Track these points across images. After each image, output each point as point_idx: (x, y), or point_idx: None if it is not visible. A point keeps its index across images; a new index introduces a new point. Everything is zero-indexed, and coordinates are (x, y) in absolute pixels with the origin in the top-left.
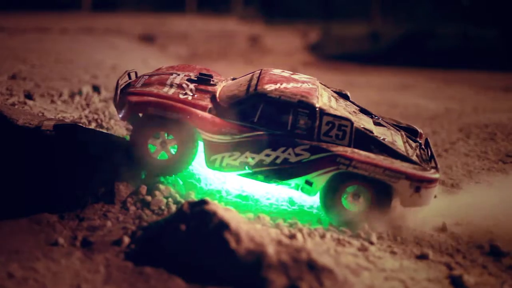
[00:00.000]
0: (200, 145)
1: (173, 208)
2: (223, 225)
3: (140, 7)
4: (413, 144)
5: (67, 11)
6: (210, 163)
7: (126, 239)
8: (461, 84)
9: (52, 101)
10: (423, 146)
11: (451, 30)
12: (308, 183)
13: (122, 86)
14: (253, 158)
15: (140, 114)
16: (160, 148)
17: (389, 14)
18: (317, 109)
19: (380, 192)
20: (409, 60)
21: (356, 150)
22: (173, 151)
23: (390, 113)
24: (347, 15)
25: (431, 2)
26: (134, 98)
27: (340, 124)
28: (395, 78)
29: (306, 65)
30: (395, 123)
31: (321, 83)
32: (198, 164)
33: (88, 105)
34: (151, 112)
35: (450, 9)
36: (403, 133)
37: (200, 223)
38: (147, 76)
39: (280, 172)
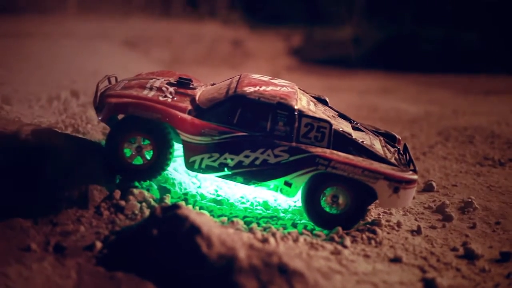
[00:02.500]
0: (176, 151)
1: (147, 212)
2: (195, 230)
3: (125, 11)
4: (392, 149)
5: (51, 15)
6: (189, 165)
7: (99, 244)
8: (442, 87)
9: (30, 106)
10: (401, 152)
11: (433, 34)
12: (287, 184)
13: (102, 90)
14: (232, 159)
15: (119, 116)
16: (136, 153)
17: (371, 18)
18: (296, 111)
19: (358, 193)
20: (391, 64)
21: (335, 151)
22: (148, 156)
23: (370, 117)
24: (330, 19)
25: (414, 6)
26: (114, 100)
27: (319, 126)
28: (377, 82)
29: (289, 69)
30: (373, 129)
31: (299, 88)
32: (174, 168)
33: (65, 110)
34: (131, 112)
35: (433, 13)
36: (381, 138)
37: (172, 227)
38: (126, 81)
39: (259, 173)
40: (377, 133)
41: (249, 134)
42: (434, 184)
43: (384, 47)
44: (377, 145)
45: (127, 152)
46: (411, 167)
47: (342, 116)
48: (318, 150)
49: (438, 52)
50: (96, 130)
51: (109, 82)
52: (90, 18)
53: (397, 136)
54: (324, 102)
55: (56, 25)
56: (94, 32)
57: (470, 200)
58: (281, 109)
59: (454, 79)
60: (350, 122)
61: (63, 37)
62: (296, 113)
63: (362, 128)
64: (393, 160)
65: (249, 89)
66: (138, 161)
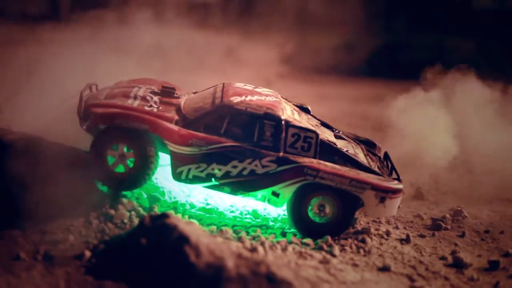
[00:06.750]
0: (161, 160)
1: (136, 221)
2: (183, 239)
3: (117, 17)
4: (373, 157)
5: (44, 22)
6: (177, 175)
7: (88, 253)
8: None
9: (21, 114)
10: (382, 159)
11: (427, 41)
12: (275, 194)
13: (84, 99)
14: (219, 169)
15: (103, 126)
16: (119, 161)
17: (365, 25)
18: (282, 121)
19: (345, 202)
20: (384, 71)
21: (322, 162)
22: (131, 164)
23: (362, 125)
24: (323, 26)
25: (408, 14)
26: (99, 110)
27: (306, 136)
28: (369, 90)
29: (281, 77)
30: (354, 137)
31: (282, 97)
32: (163, 177)
33: (57, 117)
34: (118, 123)
35: (427, 20)
36: (363, 146)
37: (160, 237)
38: (109, 89)
39: (247, 183)
40: (358, 141)
41: (237, 145)
42: (423, 192)
43: (377, 55)
44: (360, 153)
45: (110, 159)
46: (394, 175)
47: (324, 124)
48: (306, 161)
49: (431, 60)
50: (86, 138)
51: (91, 90)
52: (82, 24)
53: (377, 144)
54: (306, 111)
55: (48, 32)
56: (86, 39)
57: (459, 208)
58: (268, 119)
59: None
60: (332, 131)
61: (55, 44)
62: (283, 123)
63: (344, 137)
64: (376, 169)
65: (236, 99)
66: (120, 169)
